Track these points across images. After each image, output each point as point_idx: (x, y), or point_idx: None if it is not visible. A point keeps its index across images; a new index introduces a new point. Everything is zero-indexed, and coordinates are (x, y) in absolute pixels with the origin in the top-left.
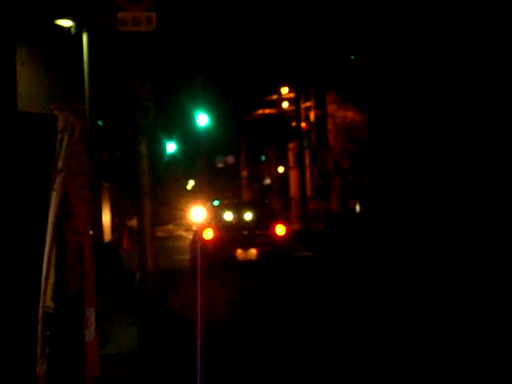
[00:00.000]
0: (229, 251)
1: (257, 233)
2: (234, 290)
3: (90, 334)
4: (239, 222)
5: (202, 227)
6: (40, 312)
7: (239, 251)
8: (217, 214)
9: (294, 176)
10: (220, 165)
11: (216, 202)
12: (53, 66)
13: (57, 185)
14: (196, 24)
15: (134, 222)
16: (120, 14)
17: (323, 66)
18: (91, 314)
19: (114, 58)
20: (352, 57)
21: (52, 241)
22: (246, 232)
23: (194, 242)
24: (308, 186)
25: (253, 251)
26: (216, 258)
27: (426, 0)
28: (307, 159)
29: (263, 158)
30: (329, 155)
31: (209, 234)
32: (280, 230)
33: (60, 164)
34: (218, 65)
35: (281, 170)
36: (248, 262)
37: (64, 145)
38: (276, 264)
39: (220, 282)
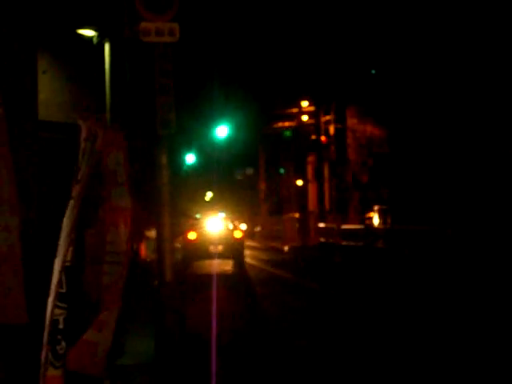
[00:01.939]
0: (205, 246)
1: (223, 235)
2: (210, 267)
3: (90, 334)
4: (212, 228)
5: (187, 231)
6: (48, 318)
7: (211, 246)
8: (198, 223)
9: (312, 189)
10: (239, 177)
11: (198, 215)
12: (74, 75)
13: (74, 193)
14: (218, 35)
15: (152, 233)
16: (143, 25)
17: (344, 80)
18: (106, 318)
19: (135, 69)
20: (373, 71)
21: (67, 249)
22: (216, 235)
23: (182, 240)
24: (326, 199)
25: (219, 247)
26: (196, 250)
27: (445, 18)
28: (326, 173)
29: (282, 170)
30: (348, 169)
31: (192, 236)
32: (237, 233)
33: (82, 173)
34: (239, 77)
35: (299, 183)
36: (217, 253)
37: (86, 154)
38: (233, 254)
39: (202, 264)
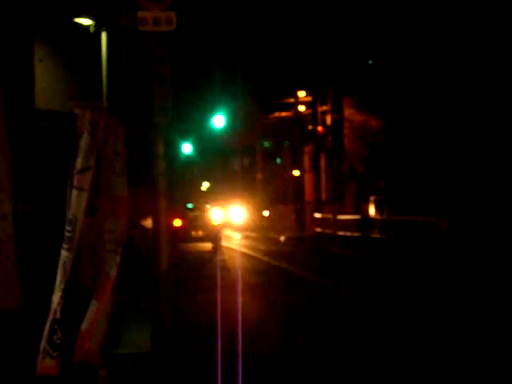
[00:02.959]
0: (188, 232)
1: (202, 222)
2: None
3: (87, 323)
4: (194, 216)
5: (173, 218)
6: (54, 307)
7: (193, 232)
8: (184, 212)
9: (309, 179)
10: (235, 167)
11: (189, 205)
12: (71, 64)
13: (84, 183)
14: (214, 25)
15: (148, 222)
16: (140, 14)
17: (341, 70)
18: (94, 306)
19: (132, 57)
20: (370, 61)
21: (79, 237)
22: (197, 222)
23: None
24: (323, 189)
25: (200, 232)
26: (182, 235)
27: (443, 9)
28: (323, 163)
29: (278, 160)
30: (344, 159)
31: (178, 223)
32: (213, 221)
33: (82, 162)
34: (236, 66)
35: (296, 173)
36: (198, 238)
37: (84, 143)
38: (211, 237)
39: (187, 246)
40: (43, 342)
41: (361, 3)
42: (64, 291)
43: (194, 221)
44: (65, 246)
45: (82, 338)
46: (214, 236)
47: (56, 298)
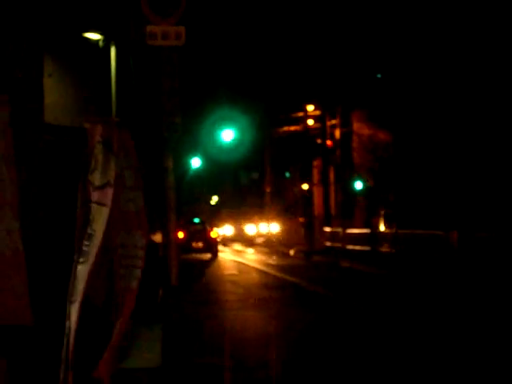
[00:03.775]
0: (190, 243)
1: (203, 235)
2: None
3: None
4: (195, 229)
5: (177, 230)
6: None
7: (194, 243)
8: (186, 224)
9: (318, 193)
10: (244, 181)
11: (196, 220)
12: (80, 79)
13: (105, 199)
14: (224, 40)
15: (157, 237)
16: (149, 28)
17: (350, 84)
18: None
19: (141, 72)
20: (379, 75)
21: (97, 251)
22: (198, 234)
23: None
24: (332, 203)
25: (200, 244)
26: (184, 246)
27: (451, 23)
28: (332, 177)
29: (287, 174)
30: (353, 173)
31: (180, 235)
32: (213, 234)
33: (100, 177)
34: (245, 81)
35: (305, 187)
36: (198, 248)
37: (100, 158)
38: (210, 249)
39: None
40: (63, 354)
41: (369, 18)
42: (82, 305)
43: (194, 233)
44: (80, 259)
45: (109, 352)
46: (212, 247)
47: (73, 313)
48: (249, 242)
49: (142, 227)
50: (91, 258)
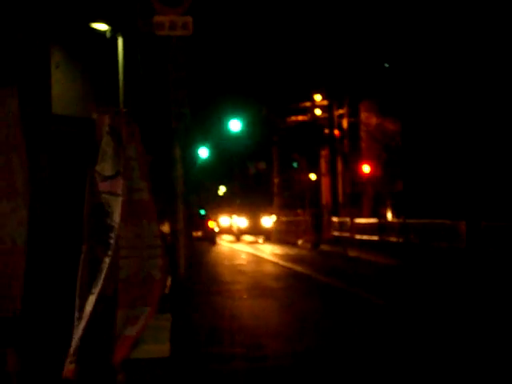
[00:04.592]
0: (190, 232)
1: (202, 224)
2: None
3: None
4: (195, 220)
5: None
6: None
7: (194, 232)
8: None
9: (325, 183)
10: (252, 171)
11: (202, 211)
12: (88, 69)
13: (117, 189)
14: (231, 29)
15: (165, 227)
16: (156, 18)
17: (357, 73)
18: (141, 313)
19: (149, 62)
20: (386, 65)
21: (115, 245)
22: (198, 224)
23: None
24: (340, 193)
25: (199, 233)
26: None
27: (460, 11)
28: (339, 166)
29: (295, 164)
30: (361, 163)
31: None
32: (211, 224)
33: (110, 168)
34: (253, 70)
35: (313, 177)
36: (198, 237)
37: (109, 148)
38: (208, 237)
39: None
40: (74, 346)
41: (377, 7)
42: (100, 297)
43: (196, 223)
44: (107, 252)
45: (126, 342)
46: (211, 236)
47: (89, 304)
48: (266, 235)
49: (152, 217)
50: (112, 250)
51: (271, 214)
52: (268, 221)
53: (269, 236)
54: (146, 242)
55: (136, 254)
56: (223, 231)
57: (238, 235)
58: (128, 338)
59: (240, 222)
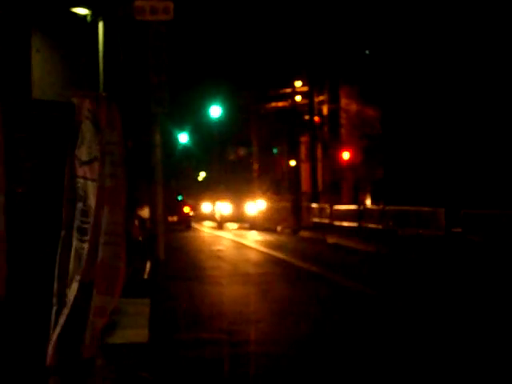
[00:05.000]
0: (166, 217)
1: (177, 209)
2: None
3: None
4: (171, 205)
5: (183, 206)
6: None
7: (169, 217)
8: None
9: (305, 170)
10: (231, 157)
11: (179, 197)
12: (68, 54)
13: (93, 174)
14: (210, 14)
15: (144, 212)
16: (137, 3)
17: (338, 59)
18: (107, 303)
19: (129, 48)
20: (367, 51)
21: (92, 228)
22: (173, 210)
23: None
24: (320, 180)
25: (175, 217)
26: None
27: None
28: (319, 153)
29: (275, 150)
30: (341, 149)
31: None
32: (186, 209)
33: (88, 152)
34: (232, 56)
35: (292, 163)
36: (173, 222)
37: (88, 133)
38: (184, 222)
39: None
40: (56, 333)
41: None
42: (80, 284)
43: (171, 208)
44: (83, 237)
45: (95, 332)
46: (186, 220)
47: (72, 290)
48: (250, 223)
49: (120, 204)
50: (90, 236)
51: (255, 199)
52: (252, 207)
53: (253, 224)
54: (114, 230)
55: (111, 241)
56: (205, 217)
57: (221, 222)
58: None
59: (223, 208)
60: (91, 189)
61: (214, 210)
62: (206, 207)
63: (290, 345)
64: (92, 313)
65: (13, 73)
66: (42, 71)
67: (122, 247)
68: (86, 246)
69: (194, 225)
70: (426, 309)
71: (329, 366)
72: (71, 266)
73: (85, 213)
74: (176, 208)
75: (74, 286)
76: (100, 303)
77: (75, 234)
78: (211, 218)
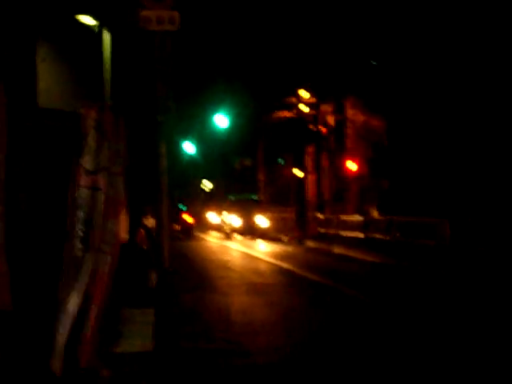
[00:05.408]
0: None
1: (180, 219)
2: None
3: (89, 327)
4: (174, 215)
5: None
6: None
7: (174, 226)
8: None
9: (311, 180)
10: (237, 166)
11: (181, 206)
12: (74, 64)
13: (99, 184)
14: (217, 25)
15: (150, 221)
16: (143, 13)
17: (344, 70)
18: (92, 308)
19: (135, 57)
20: (373, 62)
21: (98, 239)
22: (176, 219)
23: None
24: (325, 190)
25: (177, 226)
26: None
27: (446, 8)
28: (325, 163)
29: (280, 160)
30: (347, 159)
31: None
32: (188, 218)
33: (93, 162)
34: (238, 66)
35: (298, 173)
36: (176, 230)
37: (93, 143)
38: (186, 230)
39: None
40: (61, 342)
41: (364, 4)
42: (84, 293)
43: (175, 217)
44: (78, 245)
45: (86, 342)
46: (188, 230)
47: (73, 300)
48: (256, 233)
49: (116, 213)
50: (95, 246)
51: (261, 209)
52: (258, 218)
53: (259, 233)
54: (106, 238)
55: (105, 250)
56: (212, 228)
57: (228, 233)
58: (86, 338)
59: (232, 220)
60: (93, 198)
61: (221, 220)
62: (212, 217)
63: (297, 354)
64: (90, 323)
65: (19, 82)
66: (49, 80)
67: (110, 256)
68: (85, 255)
69: (201, 235)
70: (434, 320)
71: (330, 375)
72: (71, 274)
73: (85, 222)
74: (179, 217)
75: (74, 296)
76: (96, 313)
77: (77, 243)
78: (218, 228)
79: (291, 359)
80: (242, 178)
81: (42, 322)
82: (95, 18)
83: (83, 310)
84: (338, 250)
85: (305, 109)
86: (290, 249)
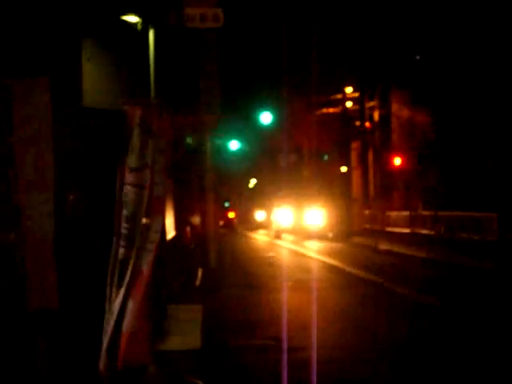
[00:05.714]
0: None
1: (223, 215)
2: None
3: (128, 324)
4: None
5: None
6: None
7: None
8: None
9: (356, 176)
10: (282, 163)
11: (226, 204)
12: (119, 62)
13: (143, 181)
14: (263, 23)
15: (196, 219)
16: (187, 10)
17: (388, 65)
18: (131, 305)
19: (180, 54)
20: (417, 57)
21: (142, 239)
22: (220, 214)
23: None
24: (371, 186)
25: (221, 222)
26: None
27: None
28: (370, 159)
29: (326, 157)
30: (392, 155)
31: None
32: (231, 215)
33: (137, 160)
34: (283, 63)
35: (343, 169)
36: (220, 226)
37: (138, 141)
38: (229, 226)
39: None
40: (106, 342)
41: None
42: (127, 292)
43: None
44: (122, 243)
45: (132, 340)
46: (231, 225)
47: (118, 299)
48: (303, 230)
49: (161, 211)
50: (136, 244)
51: (307, 206)
52: (304, 214)
53: (306, 230)
54: (149, 237)
55: (150, 248)
56: (259, 225)
57: (277, 231)
58: (124, 335)
59: (279, 217)
60: (137, 196)
61: (268, 217)
62: (259, 214)
63: (345, 351)
64: (134, 320)
65: (64, 81)
66: (94, 79)
67: (153, 254)
68: (129, 253)
69: (247, 232)
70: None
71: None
72: (117, 273)
73: (128, 219)
74: (222, 213)
75: (120, 295)
76: (140, 310)
77: (120, 241)
78: (264, 225)
79: (338, 353)
80: (287, 174)
81: (90, 322)
82: (139, 15)
83: (127, 308)
84: (383, 245)
85: (350, 105)
86: (335, 245)
